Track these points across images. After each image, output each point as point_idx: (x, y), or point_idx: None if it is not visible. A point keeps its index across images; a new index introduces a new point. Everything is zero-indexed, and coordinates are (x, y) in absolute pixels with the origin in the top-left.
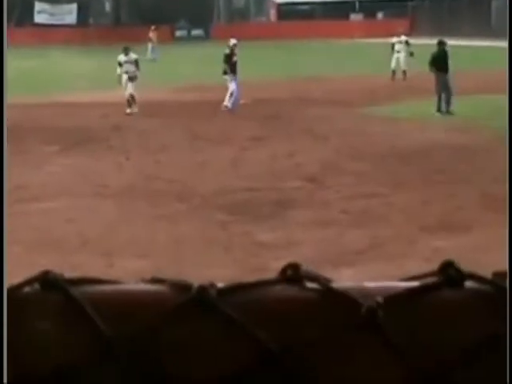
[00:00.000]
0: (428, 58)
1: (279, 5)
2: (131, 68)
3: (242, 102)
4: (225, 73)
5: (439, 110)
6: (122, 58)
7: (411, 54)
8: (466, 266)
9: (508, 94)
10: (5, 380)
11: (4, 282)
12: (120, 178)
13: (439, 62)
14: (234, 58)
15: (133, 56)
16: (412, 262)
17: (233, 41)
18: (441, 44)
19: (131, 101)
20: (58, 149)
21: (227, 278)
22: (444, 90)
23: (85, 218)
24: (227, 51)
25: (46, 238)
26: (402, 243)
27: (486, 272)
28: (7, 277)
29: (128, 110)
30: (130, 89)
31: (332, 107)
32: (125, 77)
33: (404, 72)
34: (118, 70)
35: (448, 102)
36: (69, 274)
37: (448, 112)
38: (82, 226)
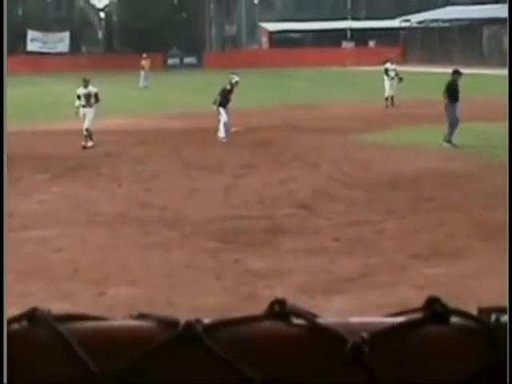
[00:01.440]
0: (419, 85)
1: (271, 32)
2: (90, 101)
3: (234, 129)
4: (215, 103)
5: (449, 140)
6: (81, 90)
7: (400, 80)
8: (457, 293)
9: (508, 101)
10: (5, 380)
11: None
12: (111, 205)
13: (452, 90)
14: (231, 95)
15: (92, 89)
16: (403, 289)
17: (235, 78)
18: (455, 73)
19: (88, 134)
20: (49, 176)
21: (218, 307)
22: (452, 118)
23: (76, 246)
24: (228, 87)
25: (36, 267)
26: (393, 271)
27: (478, 299)
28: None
29: (88, 144)
30: (87, 123)
31: (324, 135)
32: (82, 110)
33: (392, 98)
34: (77, 103)
35: (450, 131)
36: (59, 302)
37: (449, 142)
38: (73, 254)
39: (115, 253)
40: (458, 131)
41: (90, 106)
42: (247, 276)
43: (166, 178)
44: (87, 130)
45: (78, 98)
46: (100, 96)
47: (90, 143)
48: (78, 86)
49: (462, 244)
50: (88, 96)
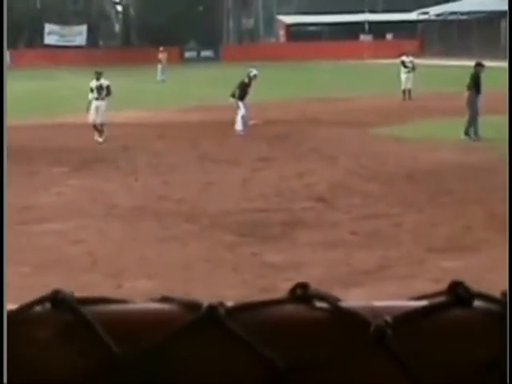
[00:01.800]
0: (437, 78)
1: (288, 25)
2: (102, 94)
3: (252, 122)
4: (233, 96)
5: (467, 133)
6: (93, 83)
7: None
8: (475, 285)
9: (508, 99)
10: (5, 380)
11: (4, 279)
12: (129, 198)
13: (475, 83)
14: (249, 89)
15: (104, 82)
16: (421, 282)
17: (254, 71)
18: (478, 66)
19: (101, 129)
20: (67, 170)
21: (236, 299)
22: (474, 110)
23: (93, 238)
24: (246, 80)
25: (54, 259)
26: (410, 264)
27: (496, 292)
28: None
29: (100, 139)
30: (100, 116)
31: (341, 128)
32: (95, 103)
33: (409, 91)
34: (90, 96)
35: (470, 123)
36: (77, 294)
37: (467, 134)
38: (91, 246)
39: (132, 245)
40: (479, 123)
41: (103, 98)
42: (265, 269)
43: (183, 171)
44: (101, 124)
45: (91, 90)
46: (118, 89)
47: (101, 138)
48: (92, 80)
49: (479, 237)
50: (100, 89)
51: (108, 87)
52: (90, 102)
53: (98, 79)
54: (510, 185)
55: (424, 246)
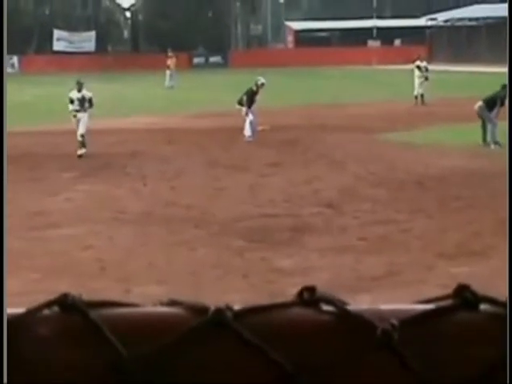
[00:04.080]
0: (446, 84)
1: (297, 31)
2: (84, 105)
3: (260, 128)
4: (240, 103)
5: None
6: (74, 94)
7: (426, 79)
8: (483, 291)
9: (508, 101)
10: (5, 380)
11: (4, 271)
12: (137, 204)
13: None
14: (257, 97)
15: (87, 93)
16: (429, 288)
17: (261, 80)
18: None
19: (82, 141)
20: (76, 175)
21: (245, 305)
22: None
23: (102, 244)
24: (254, 88)
25: (63, 265)
26: (419, 270)
27: (504, 296)
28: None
29: (81, 151)
30: (81, 128)
31: (350, 133)
32: (78, 115)
33: (422, 96)
34: (70, 107)
35: (492, 131)
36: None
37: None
38: (100, 252)
39: (141, 251)
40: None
41: (85, 110)
42: (274, 274)
43: (191, 177)
44: (82, 136)
45: (71, 102)
46: (126, 95)
47: (82, 151)
48: (71, 90)
49: (488, 243)
50: (82, 100)
51: (90, 99)
52: (73, 113)
53: (79, 90)
54: (509, 186)
55: (433, 252)
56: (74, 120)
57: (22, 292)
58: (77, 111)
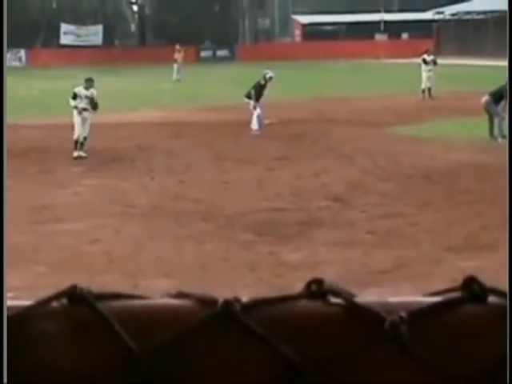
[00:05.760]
0: (453, 77)
1: (304, 25)
2: (91, 105)
3: (267, 122)
4: (248, 97)
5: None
6: (81, 90)
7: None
8: (491, 283)
9: (508, 98)
10: (5, 380)
11: (5, 266)
12: (145, 198)
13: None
14: (265, 91)
15: (94, 92)
16: (437, 282)
17: (269, 73)
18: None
19: (84, 142)
20: (83, 169)
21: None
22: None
23: (110, 237)
24: (262, 82)
25: (71, 258)
26: (427, 263)
27: None
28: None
29: (80, 154)
30: (86, 129)
31: (358, 127)
32: (84, 114)
33: (429, 90)
34: (72, 103)
35: (499, 125)
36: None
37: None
38: (108, 246)
39: (149, 245)
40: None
41: (91, 110)
42: (282, 268)
43: (199, 171)
44: (85, 138)
45: (75, 98)
46: (133, 89)
47: (82, 153)
48: (76, 86)
49: (496, 236)
50: (91, 99)
51: (93, 98)
52: (78, 111)
53: (87, 88)
54: (509, 185)
55: (441, 246)
56: (78, 117)
57: (30, 286)
58: (84, 110)
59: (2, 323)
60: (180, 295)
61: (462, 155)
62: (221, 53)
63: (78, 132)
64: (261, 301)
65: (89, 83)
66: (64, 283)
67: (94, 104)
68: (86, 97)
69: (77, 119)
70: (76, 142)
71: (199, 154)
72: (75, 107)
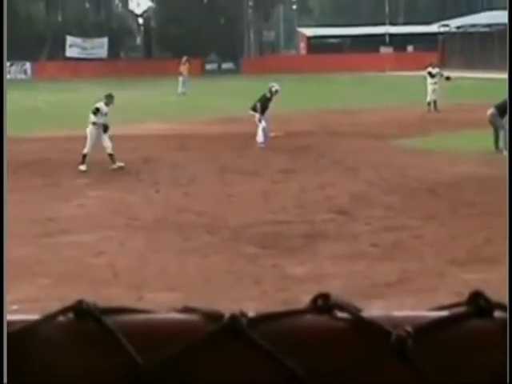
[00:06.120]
0: (458, 90)
1: (309, 38)
2: (106, 121)
3: (272, 134)
4: (254, 109)
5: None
6: (103, 107)
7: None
8: (495, 297)
9: (508, 103)
10: (5, 380)
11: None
12: (150, 210)
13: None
14: (270, 104)
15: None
16: (442, 295)
17: (275, 87)
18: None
19: (112, 154)
20: (88, 182)
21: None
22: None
23: (115, 250)
24: (268, 94)
25: (75, 271)
26: (431, 276)
27: None
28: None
29: (119, 164)
30: (109, 143)
31: (363, 140)
32: (99, 130)
33: (435, 102)
34: (93, 118)
35: (504, 137)
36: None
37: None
38: (112, 258)
39: (154, 257)
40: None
41: (106, 125)
42: (286, 281)
43: (204, 183)
44: (112, 152)
45: (95, 113)
46: (139, 102)
47: (121, 163)
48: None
49: (500, 250)
50: (105, 115)
51: (106, 125)
52: (93, 126)
53: (107, 104)
54: (509, 187)
55: (445, 259)
56: (93, 132)
57: (34, 298)
58: (102, 125)
59: (2, 324)
60: (186, 310)
61: (467, 168)
62: (226, 65)
63: (89, 147)
64: (267, 315)
65: (109, 99)
66: (68, 295)
67: (105, 127)
68: (106, 114)
69: (91, 134)
70: (84, 156)
71: (204, 167)
72: (93, 123)
